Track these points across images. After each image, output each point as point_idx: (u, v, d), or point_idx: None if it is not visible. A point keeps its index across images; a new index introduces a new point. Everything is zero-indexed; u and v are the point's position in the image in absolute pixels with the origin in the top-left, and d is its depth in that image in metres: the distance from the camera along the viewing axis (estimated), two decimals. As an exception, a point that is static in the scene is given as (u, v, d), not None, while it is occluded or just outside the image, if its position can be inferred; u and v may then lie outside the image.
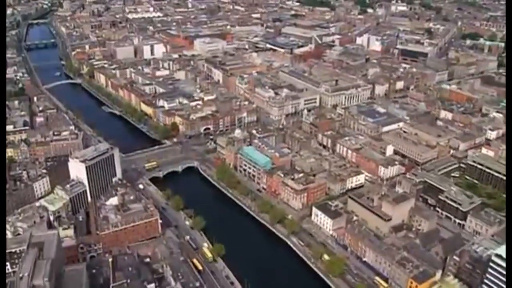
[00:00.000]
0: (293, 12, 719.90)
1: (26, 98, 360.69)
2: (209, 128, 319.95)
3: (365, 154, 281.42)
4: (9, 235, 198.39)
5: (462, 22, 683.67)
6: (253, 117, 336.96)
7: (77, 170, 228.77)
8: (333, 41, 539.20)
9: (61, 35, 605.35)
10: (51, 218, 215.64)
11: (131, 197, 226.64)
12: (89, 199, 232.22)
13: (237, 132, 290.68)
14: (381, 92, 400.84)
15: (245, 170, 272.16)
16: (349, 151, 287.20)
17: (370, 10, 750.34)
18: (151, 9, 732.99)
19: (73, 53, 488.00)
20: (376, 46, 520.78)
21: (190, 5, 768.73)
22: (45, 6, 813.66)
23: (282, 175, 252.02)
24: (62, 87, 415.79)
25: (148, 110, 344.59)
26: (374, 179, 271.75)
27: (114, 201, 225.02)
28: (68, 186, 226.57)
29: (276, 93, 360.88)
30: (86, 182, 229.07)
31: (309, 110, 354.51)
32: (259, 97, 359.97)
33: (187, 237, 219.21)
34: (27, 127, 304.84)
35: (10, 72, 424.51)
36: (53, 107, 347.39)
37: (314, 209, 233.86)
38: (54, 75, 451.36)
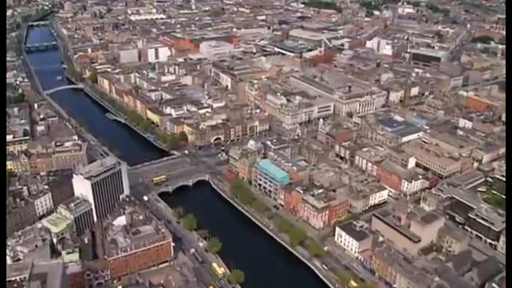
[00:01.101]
0: (299, 14, 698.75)
1: (26, 105, 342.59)
2: (219, 138, 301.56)
3: (387, 167, 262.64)
4: (8, 260, 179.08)
5: (471, 24, 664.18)
6: (265, 126, 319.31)
7: (81, 187, 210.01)
8: (342, 45, 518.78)
9: (62, 37, 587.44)
10: (54, 240, 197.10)
11: (140, 217, 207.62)
12: (95, 218, 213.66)
13: (251, 144, 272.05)
14: (395, 99, 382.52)
15: (260, 184, 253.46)
16: (369, 164, 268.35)
17: (376, 12, 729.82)
18: (154, 10, 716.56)
19: (75, 56, 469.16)
20: (387, 50, 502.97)
21: (193, 7, 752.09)
22: (45, 7, 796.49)
23: (301, 191, 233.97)
24: (63, 93, 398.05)
25: (155, 118, 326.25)
26: (397, 194, 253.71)
27: (122, 220, 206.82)
28: (72, 205, 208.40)
29: (288, 100, 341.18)
30: (91, 200, 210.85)
31: (323, 118, 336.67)
32: (270, 105, 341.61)
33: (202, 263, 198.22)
34: (27, 137, 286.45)
35: (9, 77, 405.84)
36: (54, 114, 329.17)
37: (337, 229, 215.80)
38: (56, 80, 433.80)
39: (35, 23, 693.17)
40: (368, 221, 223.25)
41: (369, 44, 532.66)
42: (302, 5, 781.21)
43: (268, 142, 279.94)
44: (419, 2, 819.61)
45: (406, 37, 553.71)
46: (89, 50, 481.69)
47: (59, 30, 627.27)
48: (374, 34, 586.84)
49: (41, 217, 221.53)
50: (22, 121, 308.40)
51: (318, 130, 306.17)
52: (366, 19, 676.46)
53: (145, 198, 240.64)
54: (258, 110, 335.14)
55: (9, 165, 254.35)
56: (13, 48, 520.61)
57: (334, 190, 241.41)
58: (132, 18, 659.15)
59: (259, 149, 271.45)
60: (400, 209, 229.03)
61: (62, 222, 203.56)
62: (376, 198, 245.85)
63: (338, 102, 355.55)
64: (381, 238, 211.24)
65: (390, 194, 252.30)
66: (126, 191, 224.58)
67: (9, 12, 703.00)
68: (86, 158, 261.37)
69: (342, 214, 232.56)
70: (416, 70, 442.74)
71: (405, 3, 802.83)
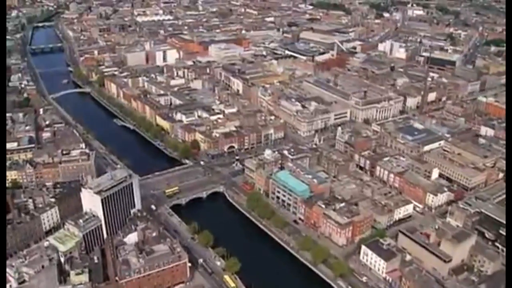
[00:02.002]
0: (307, 16, 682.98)
1: (31, 110, 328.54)
2: (233, 146, 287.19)
3: (410, 178, 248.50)
4: (13, 283, 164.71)
5: (482, 27, 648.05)
6: (280, 134, 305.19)
7: (90, 201, 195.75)
8: (354, 48, 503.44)
9: (68, 38, 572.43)
10: (62, 260, 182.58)
11: (154, 234, 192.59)
12: (105, 235, 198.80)
13: (268, 153, 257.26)
14: (413, 105, 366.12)
15: (278, 197, 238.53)
16: (391, 175, 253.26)
17: (386, 14, 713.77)
18: (161, 11, 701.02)
19: (81, 58, 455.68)
20: (400, 53, 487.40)
21: (200, 8, 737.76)
22: (50, 8, 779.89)
23: (323, 206, 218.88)
24: (70, 97, 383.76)
25: (165, 124, 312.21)
26: (422, 208, 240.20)
27: (133, 237, 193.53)
28: (80, 221, 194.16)
29: (303, 106, 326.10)
30: (101, 216, 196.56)
31: (339, 125, 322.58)
32: (285, 111, 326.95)
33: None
34: (32, 145, 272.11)
35: (14, 80, 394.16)
36: (60, 120, 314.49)
37: (363, 248, 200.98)
38: (61, 83, 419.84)
39: (40, 24, 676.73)
40: (393, 237, 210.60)
41: (381, 47, 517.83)
42: (310, 7, 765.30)
43: (285, 152, 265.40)
44: (428, 4, 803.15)
45: (418, 40, 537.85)
46: (96, 52, 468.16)
47: (64, 31, 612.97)
48: (385, 36, 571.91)
49: (47, 232, 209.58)
50: (27, 128, 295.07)
51: (336, 139, 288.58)
52: (376, 21, 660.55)
53: (153, 207, 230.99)
54: (273, 117, 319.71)
55: (14, 175, 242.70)
56: (18, 50, 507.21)
57: (356, 204, 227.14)
58: (139, 19, 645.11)
59: (276, 159, 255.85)
60: (428, 224, 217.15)
61: (70, 239, 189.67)
62: (401, 212, 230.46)
63: (354, 108, 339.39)
64: (408, 257, 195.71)
65: (416, 208, 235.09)
66: (138, 205, 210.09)
67: (13, 13, 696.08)
68: (94, 168, 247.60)
69: (366, 230, 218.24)
70: (431, 74, 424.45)
71: (414, 4, 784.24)
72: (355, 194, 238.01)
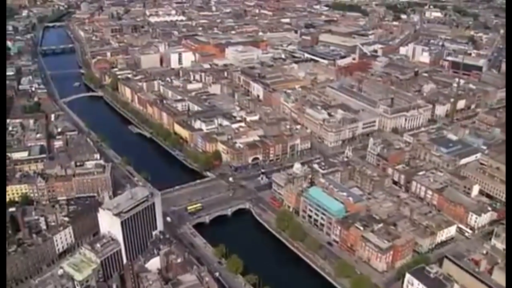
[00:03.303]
0: (324, 17, 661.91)
1: (42, 116, 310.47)
2: (258, 158, 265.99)
3: (450, 196, 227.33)
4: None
5: (503, 30, 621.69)
6: (307, 144, 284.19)
7: (109, 223, 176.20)
8: (375, 51, 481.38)
9: (79, 39, 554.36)
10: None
11: (179, 260, 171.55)
12: (124, 260, 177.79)
13: (297, 167, 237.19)
14: (442, 113, 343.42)
15: (310, 216, 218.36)
16: (429, 192, 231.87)
17: (403, 16, 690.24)
18: (173, 12, 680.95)
19: (93, 60, 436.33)
20: (424, 57, 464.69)
21: (214, 8, 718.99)
22: (61, 8, 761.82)
23: (361, 228, 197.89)
24: (82, 101, 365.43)
25: (184, 132, 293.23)
26: (464, 228, 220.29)
27: (155, 263, 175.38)
28: (98, 245, 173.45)
29: (329, 114, 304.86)
30: (121, 240, 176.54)
31: (367, 135, 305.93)
32: (310, 119, 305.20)
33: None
34: (44, 155, 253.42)
35: (24, 83, 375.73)
36: (73, 128, 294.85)
37: (407, 276, 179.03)
38: (73, 86, 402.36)
39: (50, 24, 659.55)
40: (436, 262, 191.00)
41: (402, 50, 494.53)
42: (326, 8, 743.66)
43: (316, 166, 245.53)
44: (445, 6, 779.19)
45: (441, 43, 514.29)
46: (108, 54, 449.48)
47: (75, 32, 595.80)
48: (405, 39, 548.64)
49: (60, 255, 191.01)
50: (38, 135, 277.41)
51: (367, 151, 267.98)
52: (394, 23, 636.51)
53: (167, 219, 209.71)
54: (299, 126, 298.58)
55: (25, 189, 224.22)
56: (28, 51, 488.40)
57: (394, 224, 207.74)
58: (151, 19, 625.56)
59: (306, 174, 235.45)
60: (473, 248, 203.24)
61: (86, 266, 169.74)
62: (443, 234, 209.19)
63: (382, 117, 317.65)
64: (456, 286, 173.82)
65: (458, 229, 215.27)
66: (160, 226, 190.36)
67: (24, 13, 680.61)
68: (110, 182, 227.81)
69: (407, 254, 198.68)
70: (457, 79, 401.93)
71: (431, 6, 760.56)
72: (392, 213, 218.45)
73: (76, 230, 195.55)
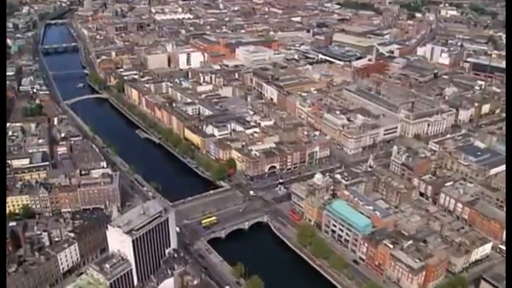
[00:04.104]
0: (336, 16, 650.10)
1: (44, 119, 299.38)
2: (274, 167, 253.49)
3: (483, 210, 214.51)
4: None
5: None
6: (326, 152, 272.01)
7: (118, 242, 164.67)
8: (392, 52, 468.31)
9: (82, 38, 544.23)
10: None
11: (195, 282, 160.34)
12: (135, 281, 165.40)
13: (318, 178, 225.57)
14: (465, 118, 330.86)
15: (333, 231, 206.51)
16: (459, 205, 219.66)
17: (418, 15, 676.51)
18: (180, 9, 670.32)
19: (98, 60, 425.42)
20: (443, 58, 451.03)
21: (221, 6, 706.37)
22: (63, 4, 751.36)
23: (390, 246, 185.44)
24: (86, 103, 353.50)
25: (195, 138, 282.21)
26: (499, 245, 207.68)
27: (169, 284, 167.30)
28: (107, 265, 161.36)
29: (348, 120, 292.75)
30: (132, 259, 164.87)
31: (387, 142, 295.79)
32: (328, 125, 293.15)
33: None
34: (46, 163, 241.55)
35: (25, 84, 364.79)
36: (78, 132, 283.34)
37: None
38: (77, 87, 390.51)
39: (52, 22, 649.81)
40: (472, 284, 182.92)
41: (420, 51, 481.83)
42: (337, 6, 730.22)
43: (338, 176, 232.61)
44: (462, 4, 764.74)
45: (459, 44, 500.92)
46: (113, 53, 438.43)
47: (78, 29, 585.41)
48: (421, 39, 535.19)
49: (65, 274, 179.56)
50: (40, 141, 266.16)
51: (391, 159, 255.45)
52: (409, 22, 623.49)
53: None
54: (317, 133, 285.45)
55: (26, 200, 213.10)
56: (29, 50, 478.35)
57: (424, 241, 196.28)
58: (157, 17, 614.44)
59: (328, 185, 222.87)
60: None
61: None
62: (478, 252, 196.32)
63: (403, 122, 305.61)
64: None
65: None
66: (173, 243, 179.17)
67: (25, 9, 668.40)
68: (118, 193, 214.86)
69: (440, 274, 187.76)
70: (480, 82, 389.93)
71: (446, 4, 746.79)
72: (420, 228, 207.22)
73: (82, 247, 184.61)
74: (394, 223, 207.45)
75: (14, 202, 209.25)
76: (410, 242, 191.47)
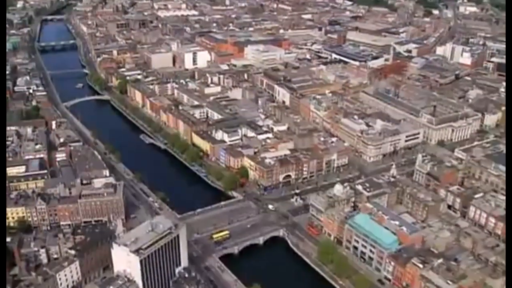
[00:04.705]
0: (348, 13, 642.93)
1: (41, 123, 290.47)
2: (290, 176, 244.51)
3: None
4: None
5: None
6: (344, 160, 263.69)
7: (125, 261, 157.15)
8: (410, 51, 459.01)
9: (81, 35, 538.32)
10: None
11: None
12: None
13: (338, 189, 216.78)
14: (491, 123, 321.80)
15: (356, 248, 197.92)
16: (491, 219, 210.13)
17: (435, 11, 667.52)
18: (184, 6, 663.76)
19: (98, 59, 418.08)
20: (465, 58, 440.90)
21: (227, 2, 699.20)
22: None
23: (420, 265, 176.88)
24: (86, 105, 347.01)
25: (203, 144, 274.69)
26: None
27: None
28: None
29: (367, 125, 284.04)
30: (139, 281, 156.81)
31: (409, 148, 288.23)
32: (345, 130, 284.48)
33: None
34: (44, 171, 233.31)
35: (21, 84, 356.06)
36: (77, 137, 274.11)
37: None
38: (76, 88, 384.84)
39: (49, 18, 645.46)
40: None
41: (439, 50, 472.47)
42: (349, 3, 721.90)
43: (359, 187, 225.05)
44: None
45: (481, 42, 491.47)
46: (115, 52, 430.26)
47: (77, 26, 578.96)
48: (440, 37, 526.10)
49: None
50: (37, 146, 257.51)
51: (415, 169, 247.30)
52: (426, 19, 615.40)
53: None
54: (334, 139, 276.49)
55: (22, 212, 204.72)
56: (25, 47, 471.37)
57: (455, 259, 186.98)
58: (160, 14, 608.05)
59: (349, 197, 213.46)
60: None
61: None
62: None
63: (426, 128, 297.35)
64: None
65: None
66: (184, 262, 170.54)
67: (19, 4, 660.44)
68: (123, 205, 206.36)
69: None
70: (505, 84, 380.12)
71: (465, 0, 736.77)
72: (450, 245, 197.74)
73: (84, 265, 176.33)
74: (422, 239, 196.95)
75: (9, 215, 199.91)
76: (440, 261, 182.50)
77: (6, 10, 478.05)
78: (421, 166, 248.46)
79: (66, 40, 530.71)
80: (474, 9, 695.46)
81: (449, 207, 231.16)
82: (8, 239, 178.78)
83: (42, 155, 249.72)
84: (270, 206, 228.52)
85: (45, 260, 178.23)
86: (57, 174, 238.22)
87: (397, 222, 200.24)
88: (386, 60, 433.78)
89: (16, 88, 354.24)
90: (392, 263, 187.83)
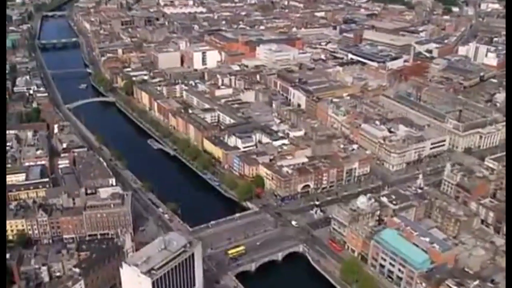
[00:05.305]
0: (363, 11, 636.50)
1: (43, 126, 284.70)
2: (308, 186, 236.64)
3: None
4: None
5: None
6: (366, 168, 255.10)
7: (135, 283, 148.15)
8: (430, 51, 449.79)
9: (84, 32, 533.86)
10: None
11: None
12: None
13: (361, 201, 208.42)
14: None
15: (382, 266, 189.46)
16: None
17: (454, 9, 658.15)
18: (191, 2, 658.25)
19: (103, 58, 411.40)
20: (489, 59, 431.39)
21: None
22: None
23: (454, 287, 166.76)
24: (90, 107, 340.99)
25: (216, 151, 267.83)
26: None
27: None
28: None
29: (389, 131, 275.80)
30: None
31: (434, 156, 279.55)
32: (366, 136, 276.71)
33: None
34: (46, 179, 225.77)
35: (20, 84, 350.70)
36: (82, 143, 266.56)
37: None
38: (79, 88, 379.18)
39: (50, 14, 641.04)
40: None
41: (462, 50, 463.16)
42: (364, 0, 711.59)
43: (385, 199, 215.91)
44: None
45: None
46: (120, 51, 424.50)
47: (79, 23, 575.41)
48: (461, 36, 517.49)
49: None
50: (38, 152, 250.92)
51: (443, 179, 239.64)
52: (445, 17, 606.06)
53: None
54: (355, 146, 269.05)
55: (21, 224, 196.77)
56: (25, 45, 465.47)
57: (492, 281, 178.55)
58: (166, 11, 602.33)
59: (374, 210, 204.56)
60: None
61: None
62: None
63: (452, 134, 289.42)
64: None
65: None
66: (199, 283, 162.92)
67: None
68: (131, 217, 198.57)
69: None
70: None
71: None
72: (485, 265, 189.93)
73: (89, 285, 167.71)
74: (455, 258, 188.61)
75: (8, 227, 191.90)
76: (477, 282, 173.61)
77: (6, 6, 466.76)
78: (449, 176, 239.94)
79: (68, 37, 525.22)
80: (497, 6, 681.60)
81: (482, 221, 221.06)
82: (7, 255, 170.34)
83: (43, 162, 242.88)
84: (294, 222, 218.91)
85: (46, 279, 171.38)
86: (59, 182, 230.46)
87: (427, 239, 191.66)
88: (405, 61, 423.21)
89: (15, 89, 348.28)
90: (424, 284, 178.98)
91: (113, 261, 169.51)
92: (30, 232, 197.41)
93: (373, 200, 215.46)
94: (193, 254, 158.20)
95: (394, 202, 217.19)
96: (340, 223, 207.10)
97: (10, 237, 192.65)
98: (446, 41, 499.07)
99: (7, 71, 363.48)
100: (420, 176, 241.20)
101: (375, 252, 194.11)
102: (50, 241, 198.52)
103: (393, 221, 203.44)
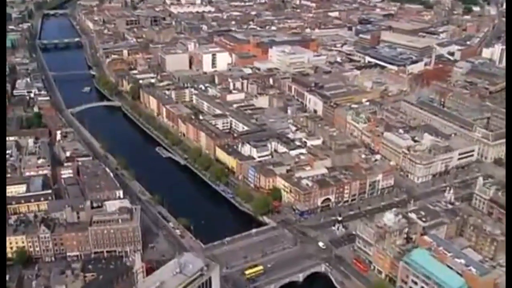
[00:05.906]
0: (379, 11, 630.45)
1: (44, 132, 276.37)
2: (329, 199, 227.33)
3: None
4: None
5: None
6: (390, 181, 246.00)
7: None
8: (452, 53, 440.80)
9: (87, 32, 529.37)
10: None
11: None
12: None
13: (388, 218, 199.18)
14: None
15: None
16: None
17: (475, 8, 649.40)
18: (198, 1, 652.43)
19: (107, 60, 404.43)
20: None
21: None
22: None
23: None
24: (94, 112, 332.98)
25: (229, 160, 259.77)
26: None
27: None
28: None
29: (414, 140, 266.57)
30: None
31: (462, 167, 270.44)
32: (389, 146, 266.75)
33: None
34: (48, 191, 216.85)
35: (21, 87, 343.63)
36: (86, 151, 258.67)
37: None
38: (82, 91, 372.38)
39: (51, 12, 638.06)
40: None
41: (486, 52, 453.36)
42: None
43: (413, 215, 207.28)
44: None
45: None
46: (125, 52, 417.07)
47: (82, 22, 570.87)
48: (484, 38, 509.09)
49: None
50: (40, 161, 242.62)
51: (474, 193, 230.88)
52: (466, 17, 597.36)
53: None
54: (378, 156, 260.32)
55: (22, 241, 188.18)
56: (25, 45, 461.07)
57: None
58: (173, 10, 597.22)
59: (402, 227, 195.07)
60: None
61: None
62: None
63: (481, 143, 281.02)
64: None
65: None
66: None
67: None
68: (140, 233, 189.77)
69: None
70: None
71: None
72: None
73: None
74: (494, 282, 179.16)
75: (7, 244, 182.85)
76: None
77: (5, 4, 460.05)
78: (482, 190, 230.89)
79: (70, 37, 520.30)
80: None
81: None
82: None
83: (45, 172, 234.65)
84: (321, 244, 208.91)
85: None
86: (62, 194, 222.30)
87: (462, 261, 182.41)
88: (426, 64, 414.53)
89: (15, 92, 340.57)
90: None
91: (122, 283, 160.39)
92: (31, 249, 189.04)
93: (400, 216, 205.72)
94: (210, 278, 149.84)
95: (423, 219, 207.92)
96: (366, 241, 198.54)
97: (9, 255, 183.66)
98: (468, 42, 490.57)
99: (6, 73, 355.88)
100: (451, 190, 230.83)
101: (405, 275, 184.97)
102: (53, 258, 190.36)
103: (425, 240, 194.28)
